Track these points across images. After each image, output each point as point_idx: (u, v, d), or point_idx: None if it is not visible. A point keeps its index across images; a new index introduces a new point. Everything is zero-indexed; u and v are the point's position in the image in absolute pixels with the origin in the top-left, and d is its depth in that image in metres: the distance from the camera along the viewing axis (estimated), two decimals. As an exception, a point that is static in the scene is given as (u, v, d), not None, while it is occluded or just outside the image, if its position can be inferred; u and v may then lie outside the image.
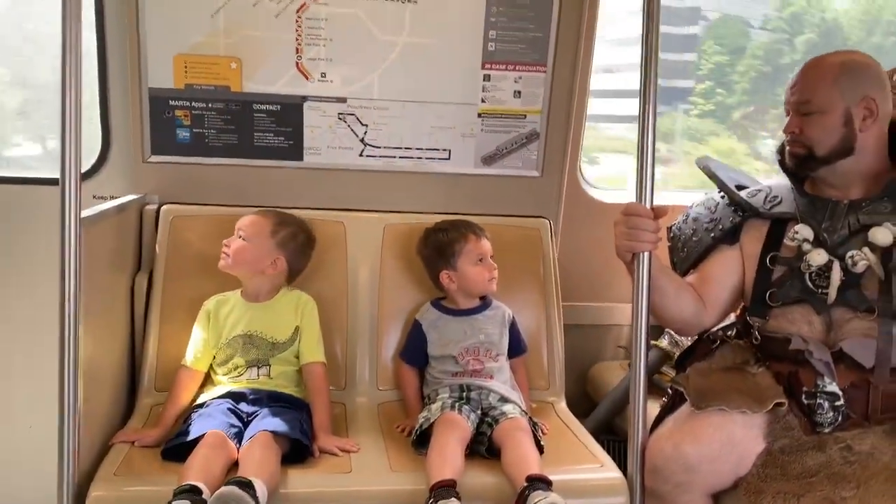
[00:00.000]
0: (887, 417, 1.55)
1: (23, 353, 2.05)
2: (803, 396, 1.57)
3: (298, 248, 1.89)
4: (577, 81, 2.17)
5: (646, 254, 1.62)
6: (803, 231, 1.68)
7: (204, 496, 1.40)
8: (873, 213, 1.64)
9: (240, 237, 1.83)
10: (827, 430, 1.56)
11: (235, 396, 1.73)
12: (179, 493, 1.39)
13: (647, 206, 1.63)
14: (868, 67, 1.66)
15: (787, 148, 1.70)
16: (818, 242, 1.67)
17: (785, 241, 1.72)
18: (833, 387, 1.55)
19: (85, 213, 1.53)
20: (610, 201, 2.44)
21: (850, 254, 1.61)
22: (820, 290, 1.64)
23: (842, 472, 1.49)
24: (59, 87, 1.41)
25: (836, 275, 1.62)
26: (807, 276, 1.66)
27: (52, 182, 2.02)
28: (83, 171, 2.08)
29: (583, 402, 2.38)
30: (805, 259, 1.66)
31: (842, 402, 1.55)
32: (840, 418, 1.55)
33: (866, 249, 1.60)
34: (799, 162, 1.68)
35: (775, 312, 1.70)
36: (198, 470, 1.46)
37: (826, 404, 1.55)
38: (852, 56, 1.67)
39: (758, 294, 1.73)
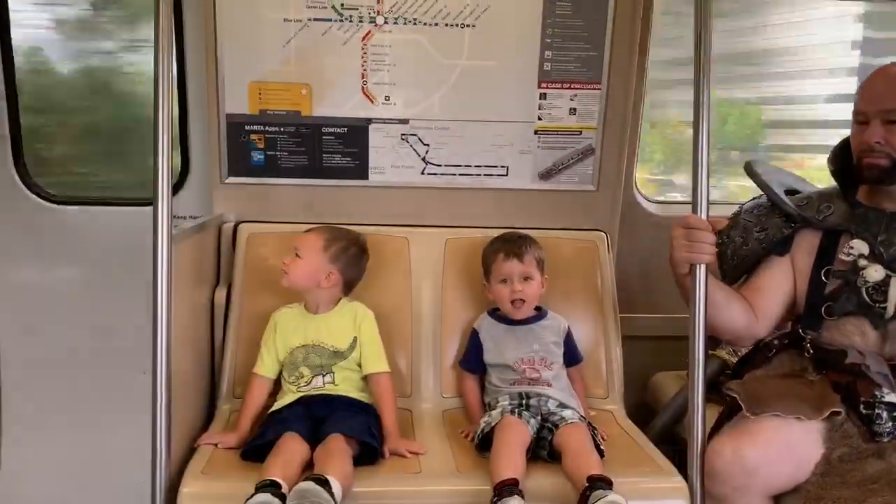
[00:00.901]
0: (946, 424, 1.56)
1: (114, 364, 2.20)
2: (861, 406, 1.59)
3: (350, 261, 1.97)
4: (630, 98, 2.23)
5: (702, 265, 1.67)
6: (859, 246, 1.69)
7: (283, 490, 1.50)
8: None
9: (296, 255, 1.92)
10: (886, 440, 1.57)
11: (306, 403, 1.83)
12: (262, 488, 1.50)
13: (704, 217, 1.67)
14: None
15: (865, 159, 1.66)
16: (874, 257, 1.68)
17: (839, 255, 1.73)
18: (892, 397, 1.57)
19: (173, 233, 1.65)
20: (665, 214, 2.48)
21: None
22: (877, 305, 1.66)
23: (902, 478, 1.51)
24: (152, 115, 1.55)
25: (894, 290, 1.63)
26: (863, 291, 1.67)
27: (141, 203, 2.20)
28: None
29: (643, 412, 2.41)
30: (861, 275, 1.67)
31: None
32: None
33: None
34: (881, 173, 1.66)
35: (828, 324, 1.72)
36: (277, 467, 1.57)
37: (885, 414, 1.57)
38: None
39: (812, 307, 1.75)
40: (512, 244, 1.99)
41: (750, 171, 1.94)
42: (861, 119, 1.66)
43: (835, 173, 1.81)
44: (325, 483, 1.49)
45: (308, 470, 1.61)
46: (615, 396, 2.13)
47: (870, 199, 1.75)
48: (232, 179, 2.19)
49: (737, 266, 1.91)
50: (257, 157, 2.18)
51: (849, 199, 1.77)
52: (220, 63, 2.11)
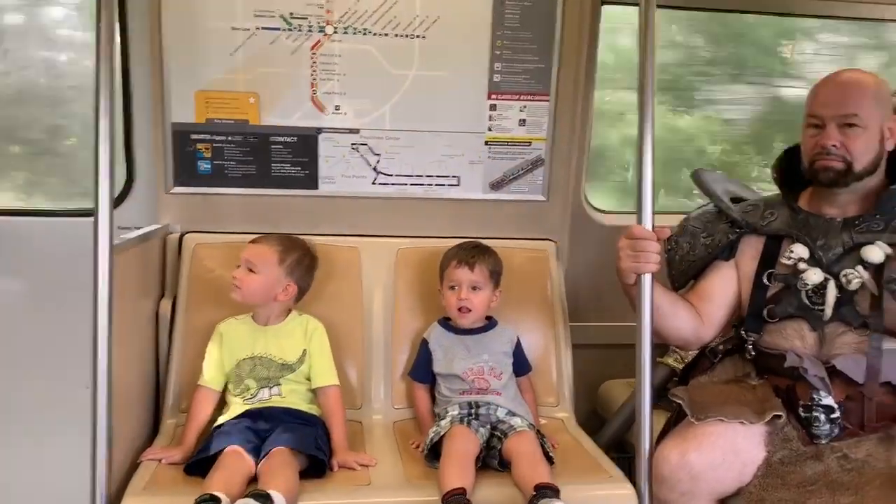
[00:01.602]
0: (881, 426, 1.61)
1: (54, 377, 2.13)
2: (800, 409, 1.63)
3: (305, 272, 1.96)
4: (578, 110, 2.26)
5: (648, 275, 1.69)
6: (799, 250, 1.74)
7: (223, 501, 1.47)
8: (866, 231, 1.69)
9: (249, 270, 1.88)
10: (824, 442, 1.61)
11: (252, 415, 1.80)
12: (201, 502, 1.46)
13: (649, 228, 1.70)
14: (889, 89, 1.72)
15: (819, 162, 1.68)
16: (813, 261, 1.72)
17: (781, 259, 1.78)
18: (829, 400, 1.61)
19: (114, 242, 1.62)
20: (614, 224, 2.52)
21: (844, 272, 1.67)
22: (816, 307, 1.70)
23: (839, 480, 1.54)
24: (93, 122, 1.51)
25: (832, 293, 1.68)
26: (803, 294, 1.71)
27: (82, 214, 2.14)
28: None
29: (594, 419, 2.43)
30: (801, 277, 1.71)
31: (838, 414, 1.60)
32: (837, 430, 1.60)
33: (860, 267, 1.66)
34: (836, 175, 1.68)
35: (769, 328, 1.76)
36: (218, 482, 1.54)
37: (823, 417, 1.60)
38: (877, 76, 1.72)
39: (754, 310, 1.79)
40: (466, 253, 1.99)
41: (697, 179, 1.97)
42: (816, 123, 1.69)
43: (778, 181, 1.86)
44: (266, 498, 1.47)
45: (253, 484, 1.59)
46: (565, 404, 2.15)
47: (811, 205, 1.80)
48: (178, 189, 2.15)
49: (684, 271, 1.94)
50: (204, 166, 2.15)
51: (791, 205, 1.82)
52: (166, 71, 2.07)
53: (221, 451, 1.65)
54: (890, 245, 1.65)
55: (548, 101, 2.24)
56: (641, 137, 1.69)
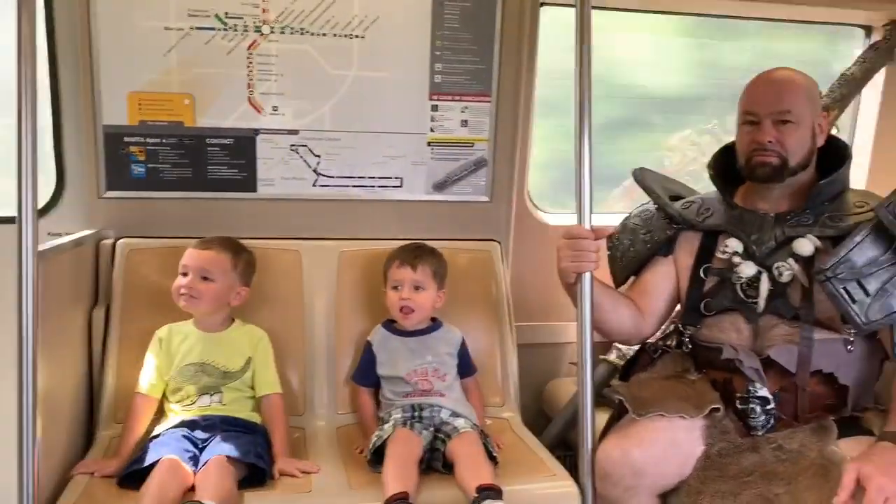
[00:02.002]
0: (814, 417, 1.65)
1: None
2: (737, 402, 1.66)
3: (252, 273, 1.94)
4: (519, 110, 2.27)
5: (587, 274, 1.70)
6: (733, 244, 1.77)
7: None
8: (797, 225, 1.73)
9: (204, 278, 1.83)
10: (760, 433, 1.64)
11: (189, 424, 1.75)
12: None
13: (588, 227, 1.71)
14: (817, 87, 1.77)
15: (756, 158, 1.71)
16: (747, 255, 1.76)
17: (717, 253, 1.81)
18: (764, 391, 1.64)
19: (41, 248, 1.56)
20: (557, 223, 2.53)
21: (776, 265, 1.71)
22: (750, 300, 1.73)
23: (774, 470, 1.57)
24: (16, 125, 1.45)
25: (765, 285, 1.71)
26: (738, 287, 1.75)
27: (6, 220, 2.06)
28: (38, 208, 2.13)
29: (540, 419, 2.44)
30: (735, 271, 1.75)
31: (773, 405, 1.63)
32: (772, 421, 1.64)
33: (791, 260, 1.70)
34: (772, 171, 1.71)
35: (707, 321, 1.79)
36: (152, 495, 1.49)
37: (758, 408, 1.63)
38: (806, 74, 1.76)
39: (691, 303, 1.82)
40: (409, 253, 1.98)
41: (637, 177, 2.00)
42: (752, 119, 1.72)
43: (713, 177, 1.89)
44: None
45: (189, 495, 1.54)
46: (511, 404, 2.15)
47: (746, 201, 1.84)
48: (111, 194, 2.09)
49: (624, 267, 1.97)
50: (138, 170, 2.09)
51: (727, 201, 1.85)
52: (96, 72, 2.01)
53: (157, 461, 1.60)
54: (819, 238, 1.70)
55: (489, 101, 2.25)
56: (580, 138, 1.70)
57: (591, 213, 1.73)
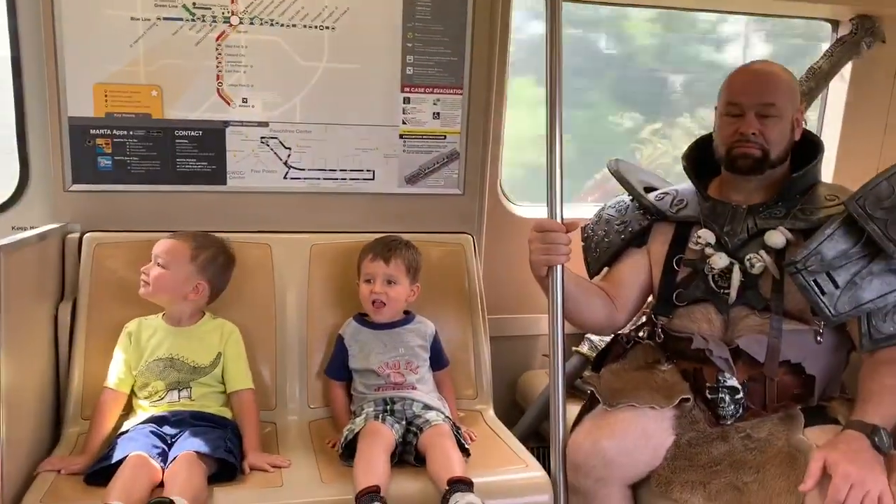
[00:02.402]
0: (781, 406, 1.66)
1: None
2: (707, 392, 1.67)
3: (219, 271, 1.90)
4: (492, 103, 2.26)
5: (559, 266, 1.71)
6: (706, 235, 1.79)
7: None
8: (769, 217, 1.75)
9: (158, 264, 1.82)
10: (729, 423, 1.66)
11: (158, 420, 1.73)
12: None
13: (559, 220, 1.71)
14: (797, 81, 1.79)
15: (738, 149, 1.71)
16: (720, 246, 1.77)
17: (689, 244, 1.82)
18: (733, 381, 1.65)
19: (3, 242, 1.53)
20: (529, 216, 2.54)
21: (748, 257, 1.72)
22: (722, 291, 1.75)
23: (743, 459, 1.59)
24: None
25: (736, 276, 1.73)
26: (710, 278, 1.76)
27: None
28: (1, 202, 2.09)
29: (514, 411, 2.45)
30: (708, 262, 1.76)
31: (742, 395, 1.65)
32: (741, 411, 1.65)
33: (762, 252, 1.72)
34: (754, 163, 1.71)
35: (679, 312, 1.80)
36: (119, 492, 1.47)
37: (727, 398, 1.65)
38: (785, 68, 1.77)
39: (664, 294, 1.83)
40: (383, 246, 1.97)
41: (611, 168, 2.02)
42: (735, 111, 1.72)
43: (687, 169, 1.90)
44: None
45: (157, 491, 1.52)
46: (484, 396, 2.15)
47: (719, 193, 1.85)
48: (77, 187, 2.05)
49: (598, 258, 1.99)
50: (104, 162, 2.05)
51: (700, 193, 1.87)
52: (61, 63, 1.97)
53: (125, 458, 1.58)
54: (791, 231, 1.71)
55: (461, 94, 2.24)
56: (551, 130, 1.70)
57: (562, 206, 1.73)
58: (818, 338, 1.67)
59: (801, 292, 1.62)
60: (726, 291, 1.74)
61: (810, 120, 2.64)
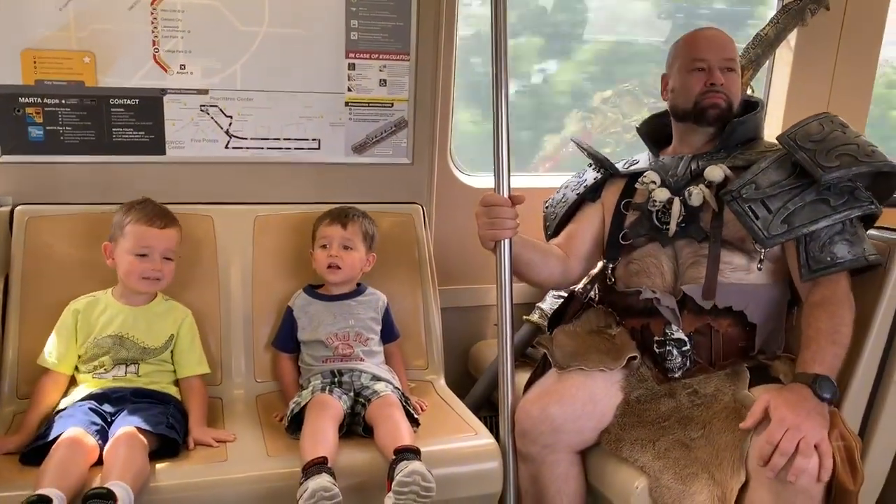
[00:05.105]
0: (728, 363, 1.69)
1: None
2: (654, 346, 1.69)
3: None
4: (439, 70, 2.22)
5: (506, 240, 1.70)
6: (651, 175, 1.84)
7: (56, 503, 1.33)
8: (710, 160, 1.80)
9: (167, 258, 1.80)
10: (677, 375, 1.68)
11: (97, 397, 1.68)
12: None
13: (505, 194, 1.71)
14: None
15: (707, 99, 1.77)
16: (664, 186, 1.82)
17: (636, 185, 1.87)
18: (680, 333, 1.67)
19: None
20: (480, 186, 2.52)
21: (687, 189, 1.76)
22: (665, 227, 1.78)
23: (690, 415, 1.61)
24: None
25: (676, 208, 1.76)
26: (654, 216, 1.80)
27: None
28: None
29: (466, 381, 2.44)
30: (651, 197, 1.80)
31: (688, 347, 1.67)
32: (688, 363, 1.68)
33: (702, 185, 1.76)
34: (721, 112, 1.78)
35: (632, 266, 1.82)
36: (53, 473, 1.41)
37: (675, 351, 1.67)
38: None
39: (613, 238, 1.87)
40: (340, 211, 1.95)
41: (574, 140, 2.08)
42: (701, 66, 1.79)
43: (643, 135, 1.98)
44: (107, 497, 1.35)
45: (96, 468, 1.48)
46: (435, 367, 2.13)
47: (672, 154, 1.90)
48: (6, 158, 1.95)
49: (556, 217, 2.04)
50: (35, 132, 1.97)
51: (653, 154, 1.94)
52: (-15, 28, 1.88)
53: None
54: (731, 169, 1.76)
55: (408, 60, 2.19)
56: (497, 105, 1.69)
57: (508, 179, 1.72)
58: (759, 266, 1.70)
59: (737, 218, 1.66)
60: (668, 227, 1.76)
61: (756, 88, 2.67)
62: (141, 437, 1.55)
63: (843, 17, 2.66)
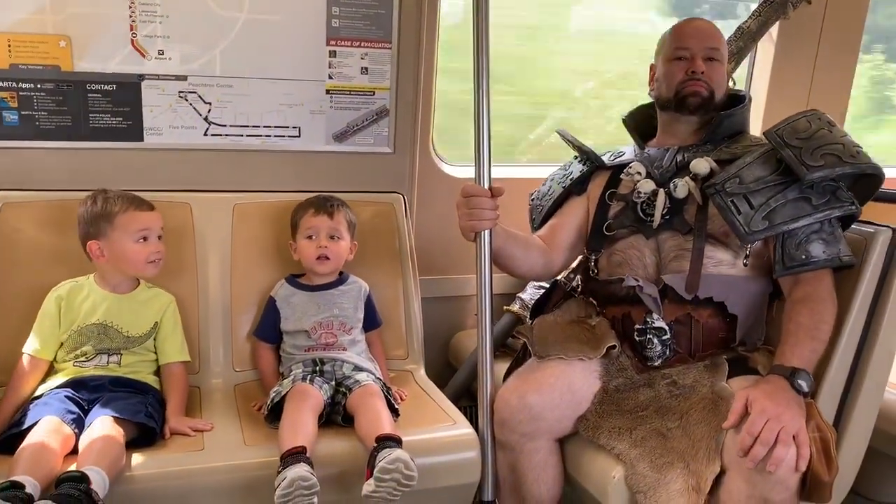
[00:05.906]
0: (708, 354, 1.69)
1: None
2: (635, 334, 1.69)
3: None
4: (421, 58, 2.21)
5: (486, 231, 1.69)
6: (636, 166, 1.83)
7: (28, 490, 1.31)
8: (696, 153, 1.80)
9: (159, 238, 1.80)
10: (657, 364, 1.68)
11: (74, 385, 1.66)
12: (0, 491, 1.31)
13: (486, 185, 1.71)
14: None
15: (688, 87, 1.77)
16: (649, 178, 1.81)
17: (621, 176, 1.86)
18: (660, 322, 1.68)
19: None
20: (462, 176, 2.51)
21: (672, 181, 1.76)
22: (649, 219, 1.78)
23: (668, 405, 1.62)
24: None
25: (661, 200, 1.76)
26: (638, 207, 1.79)
27: None
28: None
29: (447, 371, 2.44)
30: (636, 188, 1.80)
31: (668, 336, 1.68)
32: (668, 352, 1.68)
33: (687, 178, 1.75)
34: (702, 101, 1.77)
35: (615, 256, 1.81)
36: (27, 462, 1.39)
37: (655, 339, 1.67)
38: None
39: (596, 228, 1.86)
40: (323, 201, 1.94)
41: (560, 132, 2.06)
42: (684, 55, 1.78)
43: (629, 128, 1.96)
44: (80, 480, 1.34)
45: (72, 456, 1.46)
46: (415, 356, 2.13)
47: (658, 146, 1.90)
48: (-20, 143, 1.93)
49: (542, 209, 2.03)
50: (10, 117, 1.93)
51: (638, 147, 1.93)
52: (-42, 10, 1.84)
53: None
54: (717, 162, 1.75)
55: (390, 48, 2.18)
56: (477, 95, 1.68)
57: (489, 170, 1.72)
58: (745, 262, 1.70)
59: (720, 212, 1.66)
60: (653, 218, 1.76)
61: (739, 80, 2.68)
62: (117, 425, 1.53)
63: (824, 10, 2.67)
